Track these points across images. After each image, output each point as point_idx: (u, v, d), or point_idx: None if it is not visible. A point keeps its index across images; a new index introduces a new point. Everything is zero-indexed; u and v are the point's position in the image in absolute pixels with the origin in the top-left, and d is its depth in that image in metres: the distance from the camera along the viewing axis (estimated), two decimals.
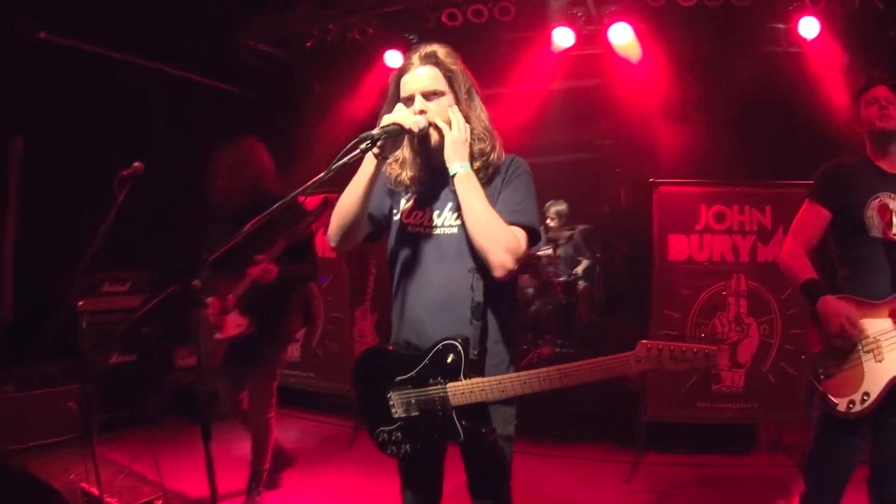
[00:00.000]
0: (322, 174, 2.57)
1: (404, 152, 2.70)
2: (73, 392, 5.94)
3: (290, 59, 7.88)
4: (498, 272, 2.49)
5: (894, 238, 3.11)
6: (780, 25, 6.37)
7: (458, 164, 2.55)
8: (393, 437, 2.65)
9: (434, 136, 2.62)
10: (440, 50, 2.68)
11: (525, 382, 2.47)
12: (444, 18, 6.95)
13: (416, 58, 2.66)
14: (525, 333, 7.28)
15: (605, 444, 6.05)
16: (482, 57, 7.57)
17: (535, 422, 6.26)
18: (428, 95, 2.62)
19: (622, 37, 6.64)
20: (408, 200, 2.77)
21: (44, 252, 5.57)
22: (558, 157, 8.88)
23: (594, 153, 8.59)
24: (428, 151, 2.66)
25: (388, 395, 2.64)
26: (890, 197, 3.15)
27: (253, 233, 4.47)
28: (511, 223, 2.54)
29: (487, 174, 2.65)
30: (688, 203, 5.78)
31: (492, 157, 2.66)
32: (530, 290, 7.92)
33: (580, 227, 8.20)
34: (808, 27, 6.13)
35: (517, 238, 2.53)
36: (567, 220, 8.21)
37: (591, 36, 6.92)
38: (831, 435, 3.15)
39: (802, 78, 6.25)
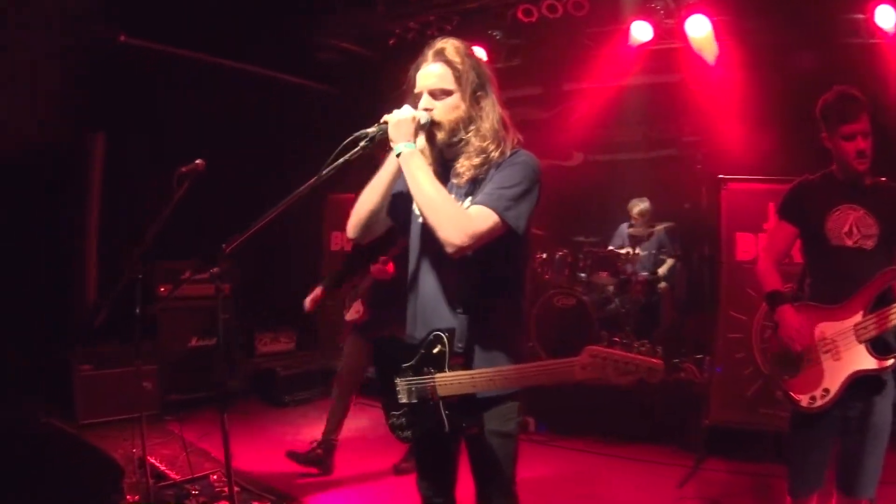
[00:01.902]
0: (324, 172, 2.69)
1: (425, 149, 2.70)
2: (149, 372, 6.33)
3: (375, 57, 8.07)
4: (448, 249, 2.45)
5: (851, 246, 3.28)
6: (859, 16, 6.06)
7: (401, 143, 2.55)
8: (399, 422, 2.70)
9: (437, 135, 2.64)
10: (449, 46, 2.66)
11: (490, 379, 2.47)
12: (519, 14, 6.97)
13: (429, 53, 2.68)
14: (600, 331, 7.14)
15: (671, 446, 5.89)
16: (561, 53, 7.55)
17: (602, 421, 6.27)
18: (435, 94, 2.63)
19: (700, 30, 6.47)
20: None
21: (125, 241, 5.93)
22: (639, 153, 8.72)
23: (675, 150, 8.37)
24: (437, 147, 2.69)
25: (395, 381, 2.69)
26: (850, 208, 3.31)
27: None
28: (480, 204, 2.49)
29: (486, 168, 2.62)
30: (756, 200, 5.59)
31: (492, 154, 2.61)
32: (610, 288, 7.78)
33: (662, 224, 7.99)
34: (885, 17, 5.85)
35: (470, 217, 2.46)
36: (650, 218, 8.03)
37: (671, 30, 6.78)
38: (801, 428, 3.34)
39: (881, 71, 5.96)
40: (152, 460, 5.19)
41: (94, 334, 5.88)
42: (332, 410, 5.39)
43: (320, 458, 5.31)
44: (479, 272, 2.58)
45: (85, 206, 6.29)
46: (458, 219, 2.45)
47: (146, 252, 4.17)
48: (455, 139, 2.65)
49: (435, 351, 2.56)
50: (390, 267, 4.86)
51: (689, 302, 7.73)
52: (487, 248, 2.48)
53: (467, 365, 2.56)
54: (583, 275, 7.77)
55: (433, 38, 7.21)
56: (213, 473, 4.97)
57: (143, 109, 6.62)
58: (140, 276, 4.05)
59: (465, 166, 2.62)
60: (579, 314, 7.17)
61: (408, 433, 2.69)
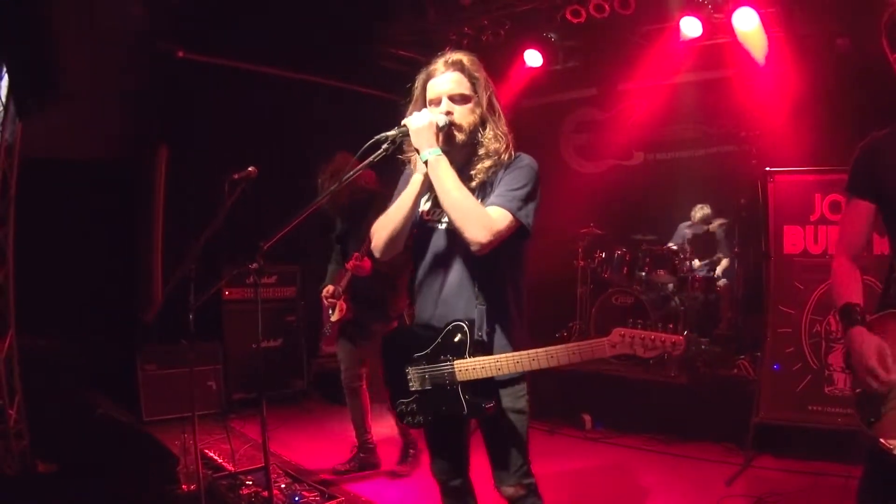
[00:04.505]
0: (350, 173, 2.89)
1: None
2: (214, 371, 6.68)
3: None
4: (473, 247, 2.68)
5: None
6: None
7: (426, 150, 2.72)
8: (409, 409, 2.91)
9: (457, 136, 2.84)
10: (465, 58, 2.88)
11: (517, 362, 2.68)
12: (568, 15, 7.01)
13: (441, 64, 2.87)
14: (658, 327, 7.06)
15: (726, 444, 5.86)
16: (614, 52, 7.56)
17: (656, 419, 6.27)
18: (454, 98, 2.83)
19: (748, 23, 6.41)
20: (427, 199, 2.99)
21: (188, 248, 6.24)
22: (698, 150, 8.62)
23: (734, 146, 8.19)
24: (453, 150, 2.86)
25: (406, 370, 2.89)
26: None
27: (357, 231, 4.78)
28: (496, 205, 2.71)
29: (494, 171, 2.85)
30: (803, 192, 5.53)
31: (503, 156, 2.85)
32: (669, 286, 7.73)
33: (718, 221, 7.90)
34: None
35: (491, 217, 2.68)
36: (710, 219, 7.98)
37: (720, 25, 6.74)
38: (886, 474, 2.50)
39: None
40: (210, 453, 5.47)
41: (159, 334, 6.19)
42: (352, 416, 5.54)
43: (365, 460, 5.52)
44: (494, 267, 2.81)
45: (151, 214, 6.58)
46: (484, 219, 2.68)
47: (198, 254, 4.32)
48: (474, 141, 2.86)
49: (455, 339, 2.77)
50: (366, 262, 4.94)
51: (747, 299, 7.60)
52: (499, 245, 2.70)
53: (487, 351, 2.77)
54: (642, 273, 7.73)
55: (488, 42, 7.33)
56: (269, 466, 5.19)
57: (207, 121, 6.92)
58: (192, 277, 4.22)
59: (477, 169, 2.85)
60: (638, 313, 7.16)
61: (419, 418, 2.89)
